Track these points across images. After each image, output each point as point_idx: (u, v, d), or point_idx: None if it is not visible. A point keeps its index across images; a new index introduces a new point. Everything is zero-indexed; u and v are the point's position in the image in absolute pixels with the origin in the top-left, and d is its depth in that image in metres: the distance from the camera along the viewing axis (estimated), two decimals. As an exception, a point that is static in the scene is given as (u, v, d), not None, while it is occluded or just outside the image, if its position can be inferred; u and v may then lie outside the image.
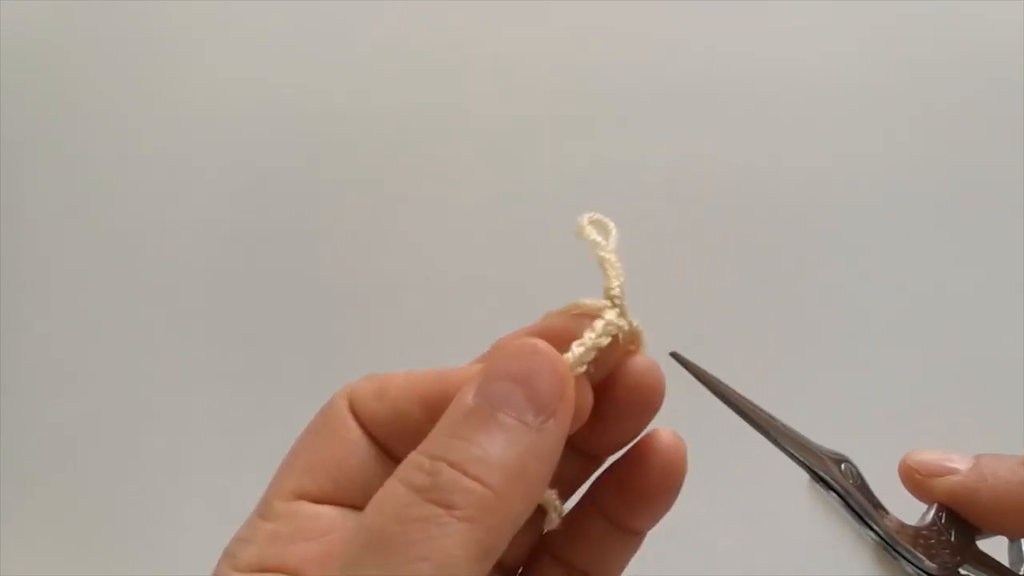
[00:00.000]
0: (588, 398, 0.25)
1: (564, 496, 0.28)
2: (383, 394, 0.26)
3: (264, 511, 0.26)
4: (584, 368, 0.25)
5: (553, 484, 0.27)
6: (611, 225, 0.29)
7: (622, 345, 0.26)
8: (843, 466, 0.28)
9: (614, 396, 0.26)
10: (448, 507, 0.21)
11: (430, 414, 0.24)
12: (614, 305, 0.26)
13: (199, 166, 0.61)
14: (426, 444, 0.23)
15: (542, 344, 0.23)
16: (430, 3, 0.62)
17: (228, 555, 0.26)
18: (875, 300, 0.57)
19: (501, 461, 0.22)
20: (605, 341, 0.25)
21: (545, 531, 0.27)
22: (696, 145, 0.60)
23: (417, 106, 0.61)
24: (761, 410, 0.25)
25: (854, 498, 0.26)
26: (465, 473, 0.21)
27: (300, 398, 0.58)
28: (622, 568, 0.28)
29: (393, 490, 0.22)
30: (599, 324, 0.25)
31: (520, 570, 0.29)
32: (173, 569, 0.56)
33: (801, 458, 0.26)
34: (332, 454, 0.26)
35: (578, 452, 0.28)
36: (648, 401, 0.26)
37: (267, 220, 0.61)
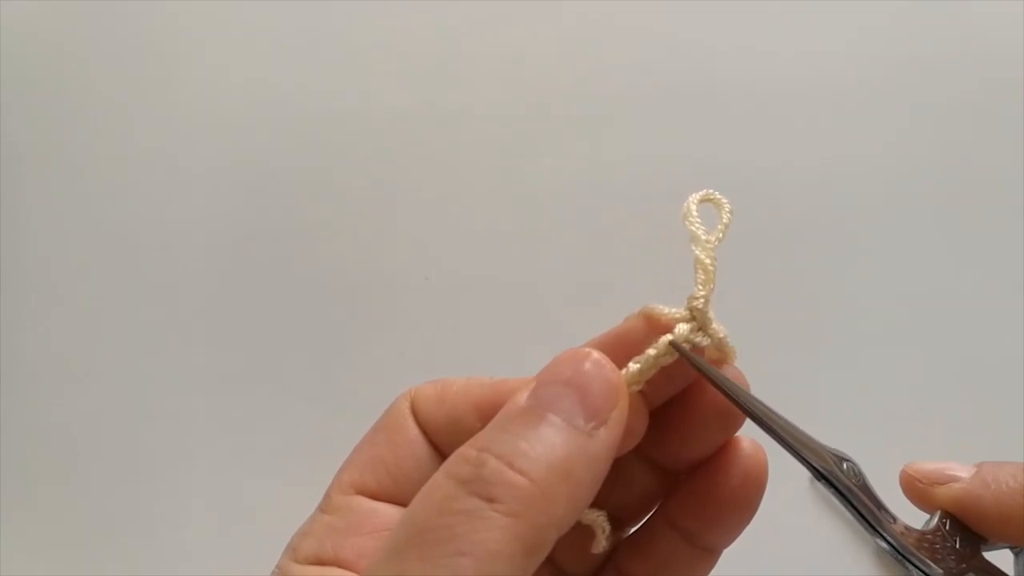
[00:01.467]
0: (643, 415, 0.25)
1: (641, 514, 0.28)
2: (442, 398, 0.27)
3: (324, 504, 0.26)
4: (639, 387, 0.24)
5: (627, 499, 0.27)
6: (726, 206, 0.26)
7: (709, 356, 0.25)
8: (846, 465, 0.27)
9: (695, 407, 0.26)
10: (490, 500, 0.21)
11: (484, 421, 0.24)
12: (692, 317, 0.25)
13: (200, 166, 0.61)
14: (475, 438, 0.23)
15: (597, 353, 0.24)
16: (432, 4, 0.62)
17: (290, 548, 0.26)
18: (874, 300, 0.57)
19: (547, 458, 0.22)
20: (667, 360, 0.25)
21: (593, 552, 0.26)
22: (696, 145, 0.60)
23: (418, 106, 0.61)
24: (763, 405, 0.25)
25: (858, 499, 0.26)
26: (510, 466, 0.21)
27: (300, 398, 0.58)
28: None
29: (438, 482, 0.22)
30: (662, 342, 0.25)
31: None
32: (174, 569, 0.56)
33: (804, 455, 0.25)
34: (391, 452, 0.26)
35: (654, 466, 0.27)
36: (732, 414, 0.26)
37: (268, 220, 0.61)
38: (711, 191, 0.27)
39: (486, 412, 0.25)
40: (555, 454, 0.22)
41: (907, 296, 0.58)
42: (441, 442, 0.26)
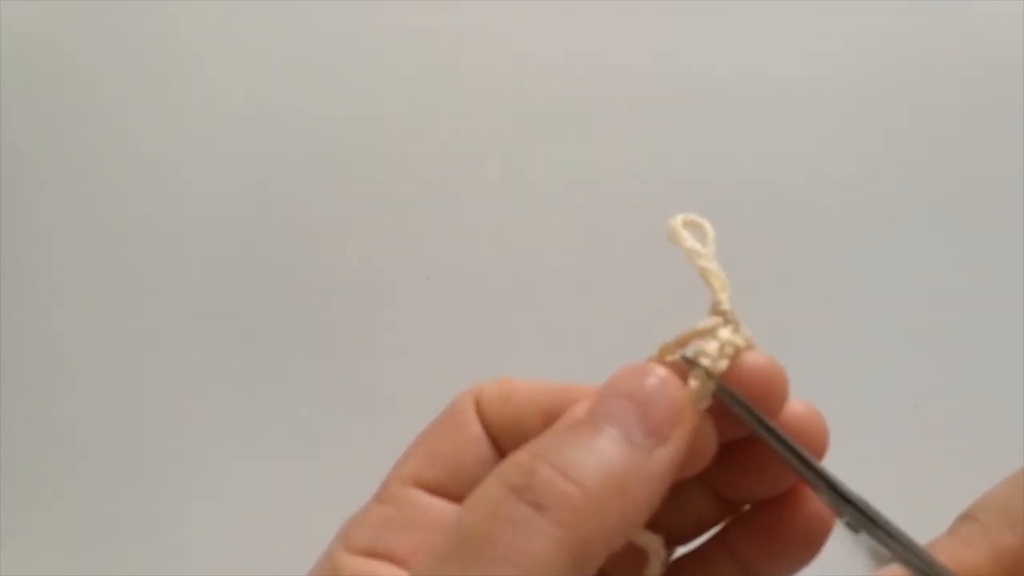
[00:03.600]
0: (711, 440, 0.24)
1: (690, 538, 0.27)
2: (508, 398, 0.26)
3: (381, 494, 0.26)
4: (708, 402, 0.23)
5: (681, 522, 0.26)
6: (708, 228, 0.26)
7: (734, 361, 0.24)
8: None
9: (763, 446, 0.25)
10: (540, 508, 0.20)
11: (548, 426, 0.24)
12: (727, 321, 0.24)
13: (200, 166, 0.61)
14: (530, 445, 0.22)
15: (661, 369, 0.23)
16: (430, 7, 0.62)
17: (342, 536, 0.25)
18: (874, 300, 0.58)
19: (601, 470, 0.21)
20: (723, 365, 0.24)
21: None
22: (695, 145, 0.60)
23: (418, 107, 0.61)
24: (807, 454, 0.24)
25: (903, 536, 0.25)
26: (563, 474, 0.21)
27: (301, 398, 0.58)
28: None
29: (489, 486, 0.22)
30: (712, 346, 0.24)
31: None
32: (174, 569, 0.56)
33: (844, 498, 0.25)
34: (452, 447, 0.26)
35: (715, 494, 0.27)
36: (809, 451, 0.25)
37: (268, 220, 0.61)
38: (691, 215, 0.27)
39: (551, 417, 0.24)
40: (610, 467, 0.21)
41: (907, 296, 0.58)
42: (504, 443, 0.26)
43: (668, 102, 0.60)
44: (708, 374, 0.24)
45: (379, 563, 0.24)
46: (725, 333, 0.24)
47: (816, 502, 0.25)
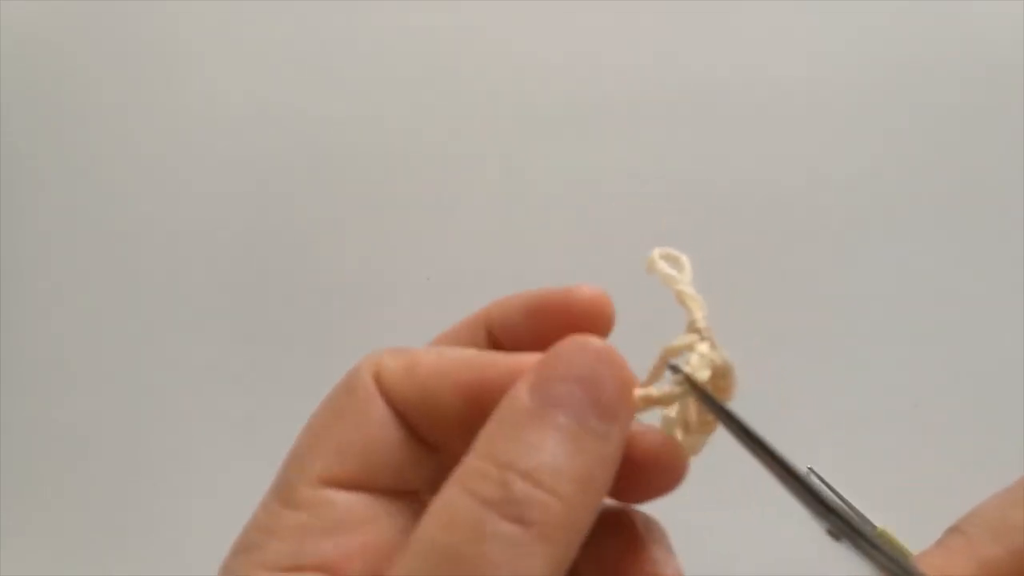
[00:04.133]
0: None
1: None
2: (412, 373, 0.24)
3: (287, 497, 0.23)
4: (647, 408, 0.23)
5: None
6: (684, 260, 0.26)
7: (713, 382, 0.24)
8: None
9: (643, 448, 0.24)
10: (525, 524, 0.20)
11: (467, 403, 0.23)
12: (703, 338, 0.24)
13: (200, 166, 0.61)
14: (486, 447, 0.21)
15: (602, 343, 0.22)
16: (430, 7, 0.62)
17: (250, 547, 0.23)
18: (873, 300, 0.58)
19: (572, 470, 0.20)
20: (705, 375, 0.24)
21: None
22: (695, 145, 0.60)
23: (418, 108, 0.61)
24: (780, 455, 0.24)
25: (882, 552, 0.25)
26: (540, 485, 0.20)
27: (301, 397, 0.58)
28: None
29: (461, 503, 0.20)
30: (694, 358, 0.23)
31: None
32: (175, 569, 0.56)
33: (826, 509, 0.24)
34: (360, 435, 0.23)
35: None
36: (674, 470, 0.24)
37: (268, 221, 0.61)
38: (667, 249, 0.26)
39: (470, 394, 0.23)
40: (577, 464, 0.21)
41: (906, 296, 0.58)
42: (414, 421, 0.24)
43: (668, 102, 0.60)
44: (689, 380, 0.23)
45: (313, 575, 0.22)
46: (703, 347, 0.24)
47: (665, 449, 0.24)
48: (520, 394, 0.21)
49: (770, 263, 0.58)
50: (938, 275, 0.58)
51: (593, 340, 0.22)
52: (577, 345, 0.22)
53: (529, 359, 0.23)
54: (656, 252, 0.26)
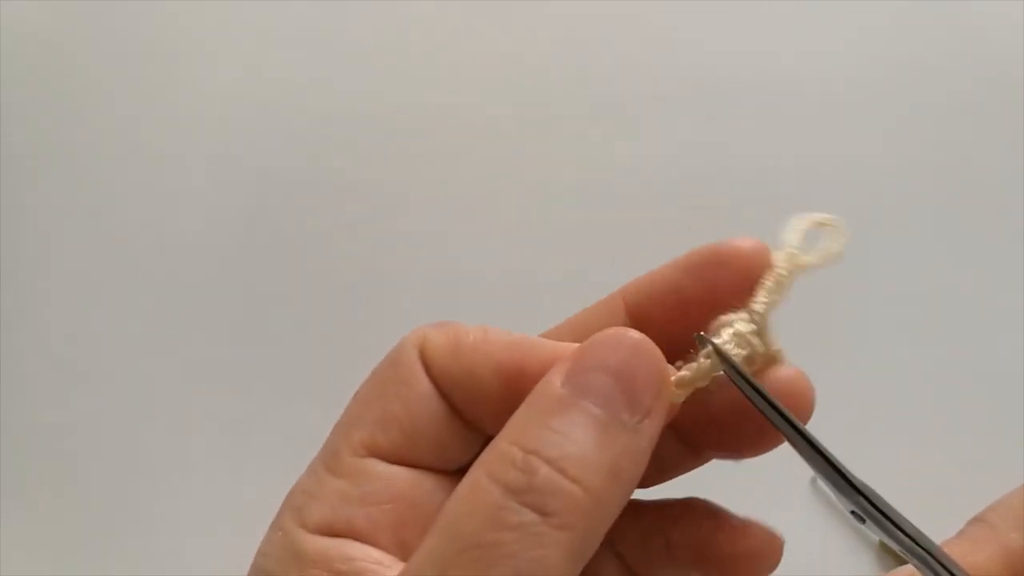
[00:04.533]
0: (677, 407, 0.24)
1: (654, 481, 0.26)
2: (457, 351, 0.24)
3: (332, 464, 0.24)
4: (706, 382, 0.23)
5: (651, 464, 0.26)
6: (840, 229, 0.26)
7: (758, 369, 0.24)
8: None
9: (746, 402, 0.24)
10: (545, 514, 0.20)
11: (507, 384, 0.23)
12: (752, 321, 0.24)
13: (199, 166, 0.61)
14: (515, 432, 0.21)
15: (639, 336, 0.22)
16: (431, 2, 0.62)
17: (293, 508, 0.24)
18: (872, 300, 0.57)
19: (598, 461, 0.20)
20: (737, 352, 0.23)
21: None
22: (695, 145, 0.59)
23: (418, 105, 0.61)
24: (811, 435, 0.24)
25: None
26: (563, 473, 0.20)
27: (301, 398, 0.58)
28: None
29: (484, 487, 0.20)
30: (727, 331, 0.23)
31: None
32: (174, 569, 0.56)
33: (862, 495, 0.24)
34: (403, 408, 0.24)
35: (681, 440, 0.26)
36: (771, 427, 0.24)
37: (267, 220, 0.60)
38: (825, 216, 0.26)
39: (508, 374, 0.23)
40: (605, 455, 0.20)
41: (906, 296, 0.57)
42: (455, 398, 0.24)
43: (669, 102, 0.60)
44: (717, 351, 0.23)
45: (345, 542, 0.23)
46: (740, 326, 0.24)
47: (764, 547, 0.25)
48: (554, 380, 0.21)
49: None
50: (937, 275, 0.57)
51: (631, 332, 0.22)
52: (614, 336, 0.22)
53: (570, 347, 0.23)
54: (806, 220, 0.26)
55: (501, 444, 0.21)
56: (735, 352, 0.23)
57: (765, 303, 0.24)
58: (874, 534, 0.24)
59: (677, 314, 0.24)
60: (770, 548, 0.24)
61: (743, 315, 0.24)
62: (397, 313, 0.58)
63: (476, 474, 0.21)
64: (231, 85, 0.62)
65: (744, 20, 0.61)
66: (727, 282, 0.24)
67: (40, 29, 0.63)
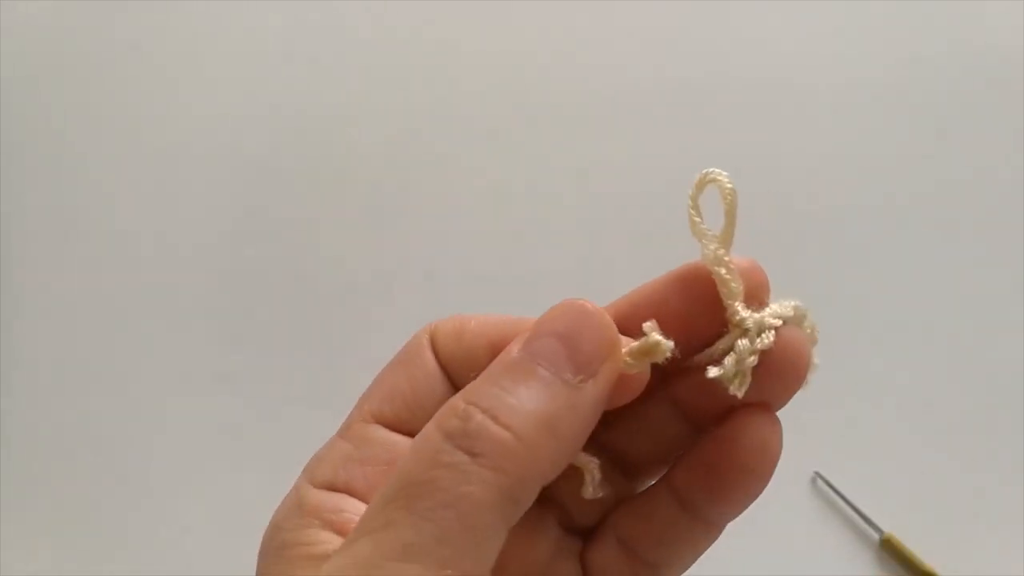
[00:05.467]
0: (645, 373, 0.24)
1: (664, 462, 0.27)
2: (460, 333, 0.27)
3: (343, 431, 0.27)
4: (642, 364, 0.24)
5: (650, 448, 0.27)
6: (727, 184, 0.26)
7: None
8: None
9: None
10: (474, 454, 0.21)
11: (495, 358, 0.24)
12: (744, 332, 0.24)
13: (198, 166, 0.61)
14: (466, 390, 0.23)
15: (590, 305, 0.24)
16: (430, 3, 0.62)
17: (307, 470, 0.27)
18: (872, 299, 0.57)
19: (531, 411, 0.22)
20: (655, 359, 0.24)
21: (584, 496, 0.26)
22: (695, 145, 0.59)
23: (417, 105, 0.61)
24: None
25: None
26: (495, 420, 0.22)
27: (300, 398, 0.58)
28: (687, 564, 0.27)
29: (428, 434, 0.22)
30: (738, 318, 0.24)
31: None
32: (174, 569, 0.56)
33: None
34: (409, 384, 0.27)
35: (684, 417, 0.26)
36: (787, 371, 0.24)
37: (267, 220, 0.60)
38: (710, 170, 0.26)
39: (498, 350, 0.25)
40: (540, 408, 0.22)
41: (905, 296, 0.57)
42: (457, 376, 0.27)
43: (670, 101, 0.60)
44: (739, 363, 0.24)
45: (340, 496, 0.25)
46: (743, 347, 0.24)
47: (761, 432, 0.25)
48: (512, 347, 0.23)
49: (767, 262, 0.58)
50: (937, 275, 0.57)
51: (579, 301, 0.24)
52: (564, 304, 0.24)
53: None
54: (694, 186, 0.26)
55: (452, 399, 0.23)
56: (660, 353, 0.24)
57: (740, 306, 0.24)
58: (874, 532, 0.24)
59: (663, 328, 0.25)
60: (761, 458, 0.25)
61: (743, 314, 0.24)
62: (397, 314, 0.58)
63: (427, 426, 0.23)
64: (228, 84, 0.62)
65: (743, 21, 0.61)
66: (710, 298, 0.25)
67: (40, 29, 0.63)
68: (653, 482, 0.27)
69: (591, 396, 0.23)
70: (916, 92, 0.59)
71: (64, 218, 0.61)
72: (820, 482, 0.55)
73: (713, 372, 0.24)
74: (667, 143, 0.60)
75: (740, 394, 0.24)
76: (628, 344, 0.24)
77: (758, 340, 0.24)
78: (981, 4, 0.60)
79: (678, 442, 0.27)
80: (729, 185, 0.26)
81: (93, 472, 0.58)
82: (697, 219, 0.26)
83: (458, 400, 0.23)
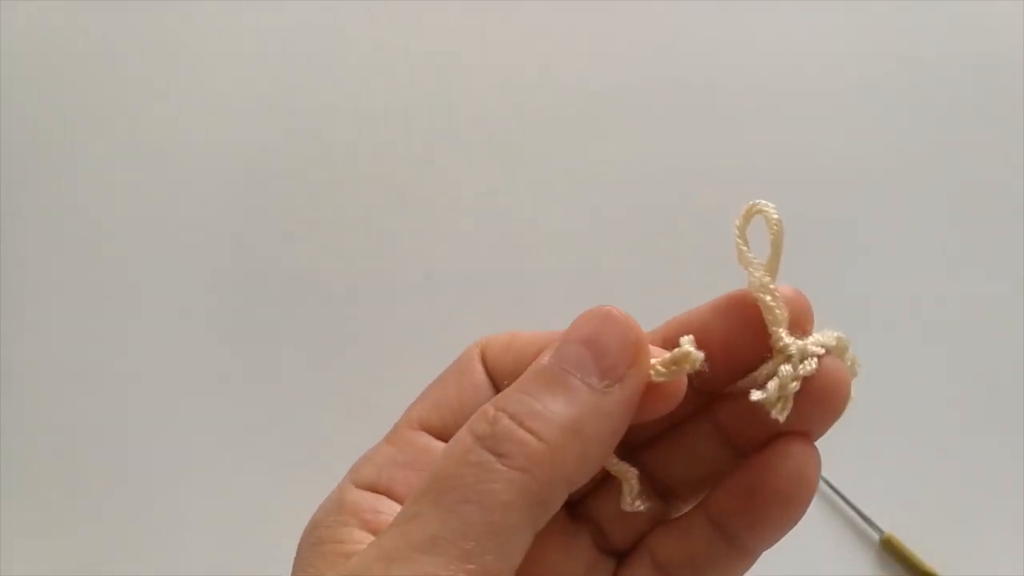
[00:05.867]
0: (680, 384, 0.25)
1: (704, 487, 0.27)
2: (510, 347, 0.28)
3: (391, 435, 0.28)
4: (672, 375, 0.24)
5: (690, 473, 0.27)
6: (772, 215, 0.26)
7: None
8: None
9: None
10: (500, 455, 0.22)
11: None
12: (787, 359, 0.24)
13: (198, 166, 0.61)
14: (497, 397, 0.24)
15: (615, 310, 0.24)
16: (430, 3, 0.62)
17: (352, 470, 0.27)
18: (872, 299, 0.57)
19: (557, 416, 0.23)
20: (685, 369, 0.24)
21: (622, 508, 0.26)
22: (694, 145, 0.59)
23: (417, 106, 0.61)
24: None
25: None
26: (521, 424, 0.22)
27: (300, 398, 0.58)
28: None
29: (460, 436, 0.23)
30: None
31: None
32: (174, 569, 0.56)
33: None
34: (457, 394, 0.27)
35: (726, 442, 0.27)
36: (827, 399, 0.25)
37: (266, 220, 0.60)
38: (757, 201, 0.26)
39: None
40: (566, 413, 0.23)
41: (905, 296, 0.57)
42: (501, 387, 0.27)
43: (670, 101, 0.60)
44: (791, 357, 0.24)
45: (380, 497, 0.26)
46: (783, 349, 0.25)
47: (799, 460, 0.25)
48: (543, 356, 0.24)
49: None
50: (937, 275, 0.57)
51: (605, 307, 0.24)
52: (590, 311, 0.24)
53: None
54: (740, 215, 0.26)
55: (485, 405, 0.24)
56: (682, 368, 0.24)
57: (785, 333, 0.25)
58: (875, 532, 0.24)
59: (718, 347, 0.25)
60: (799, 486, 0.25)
61: (787, 340, 0.25)
62: (397, 314, 0.58)
63: (460, 430, 0.24)
64: (228, 83, 0.62)
65: (743, 21, 0.61)
66: (755, 324, 0.25)
67: (40, 29, 0.63)
68: (689, 508, 0.27)
69: (618, 401, 0.23)
70: (916, 92, 0.59)
71: (64, 218, 0.61)
72: (820, 482, 0.54)
73: (756, 395, 0.24)
74: (667, 144, 0.60)
75: (782, 418, 0.24)
76: (660, 355, 0.24)
77: (801, 367, 0.24)
78: (982, 4, 0.60)
79: (716, 468, 0.27)
80: (775, 216, 0.26)
81: (93, 472, 0.58)
82: (744, 248, 0.26)
83: (488, 406, 0.23)
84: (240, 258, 0.60)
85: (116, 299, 0.60)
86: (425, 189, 0.60)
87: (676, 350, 0.24)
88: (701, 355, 0.24)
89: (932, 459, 0.55)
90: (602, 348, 0.23)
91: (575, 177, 0.60)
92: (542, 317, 0.57)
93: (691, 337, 0.24)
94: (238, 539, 0.56)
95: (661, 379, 0.24)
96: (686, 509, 0.27)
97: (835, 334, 0.25)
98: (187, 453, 0.58)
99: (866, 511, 0.53)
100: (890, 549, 0.52)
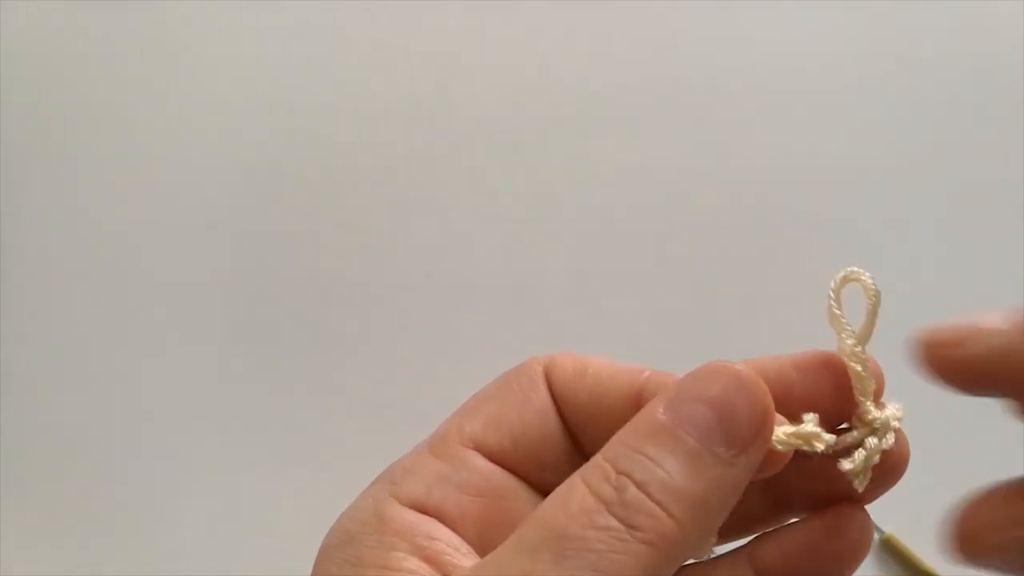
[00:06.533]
0: (789, 452, 0.24)
1: (739, 533, 0.27)
2: (583, 373, 0.26)
3: (437, 447, 0.25)
4: (792, 447, 0.24)
5: (733, 516, 0.26)
6: (871, 287, 0.26)
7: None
8: None
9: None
10: (630, 525, 0.21)
11: (632, 409, 0.24)
12: (873, 431, 0.25)
13: (198, 166, 0.61)
14: (612, 451, 0.22)
15: (745, 372, 0.22)
16: (430, 3, 0.62)
17: (389, 480, 0.25)
18: (883, 300, 0.57)
19: (685, 491, 0.21)
20: (820, 447, 0.24)
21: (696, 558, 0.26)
22: (694, 145, 0.59)
23: (417, 106, 0.61)
24: None
25: None
26: (650, 496, 0.21)
27: (300, 398, 0.58)
28: None
29: (580, 492, 0.22)
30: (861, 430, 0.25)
31: None
32: (174, 569, 0.56)
33: None
34: (517, 415, 0.25)
35: (770, 493, 0.26)
36: (891, 471, 0.25)
37: (266, 220, 0.60)
38: (853, 269, 0.27)
39: (634, 400, 0.24)
40: (693, 487, 0.21)
41: (905, 296, 0.57)
42: (575, 419, 0.26)
43: (670, 101, 0.60)
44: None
45: (430, 521, 0.24)
46: (866, 423, 0.25)
47: (862, 526, 0.25)
48: (656, 406, 0.22)
49: (767, 262, 0.58)
50: (937, 275, 0.57)
51: (734, 365, 0.23)
52: (716, 367, 0.23)
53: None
54: (836, 281, 0.28)
55: (599, 459, 0.22)
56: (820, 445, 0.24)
57: (871, 405, 0.26)
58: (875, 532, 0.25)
59: (794, 400, 0.25)
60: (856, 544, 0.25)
61: (873, 414, 0.26)
62: (397, 315, 0.58)
63: (574, 479, 0.22)
64: (229, 83, 0.62)
65: (743, 21, 0.61)
66: (841, 391, 0.25)
67: (40, 29, 0.63)
68: (717, 546, 0.27)
69: (742, 471, 0.22)
70: (916, 93, 0.59)
71: (64, 218, 0.61)
72: None
73: (847, 466, 0.24)
74: (667, 144, 0.60)
75: (861, 489, 0.24)
76: (781, 421, 0.24)
77: (883, 440, 0.25)
78: (981, 4, 0.60)
79: (752, 513, 0.26)
80: (873, 286, 0.27)
81: (93, 472, 0.58)
82: (837, 311, 0.26)
83: (605, 464, 0.22)
84: (240, 258, 0.60)
85: (116, 299, 0.60)
86: (425, 189, 0.60)
87: (803, 427, 0.24)
88: (832, 438, 0.24)
89: (932, 459, 0.55)
90: (732, 415, 0.22)
91: (575, 177, 0.60)
92: (542, 317, 0.57)
93: (816, 416, 0.24)
94: (238, 539, 0.56)
95: (778, 448, 0.24)
96: (714, 553, 0.27)
97: (900, 405, 0.26)
98: (187, 453, 0.58)
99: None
100: (890, 549, 0.52)
